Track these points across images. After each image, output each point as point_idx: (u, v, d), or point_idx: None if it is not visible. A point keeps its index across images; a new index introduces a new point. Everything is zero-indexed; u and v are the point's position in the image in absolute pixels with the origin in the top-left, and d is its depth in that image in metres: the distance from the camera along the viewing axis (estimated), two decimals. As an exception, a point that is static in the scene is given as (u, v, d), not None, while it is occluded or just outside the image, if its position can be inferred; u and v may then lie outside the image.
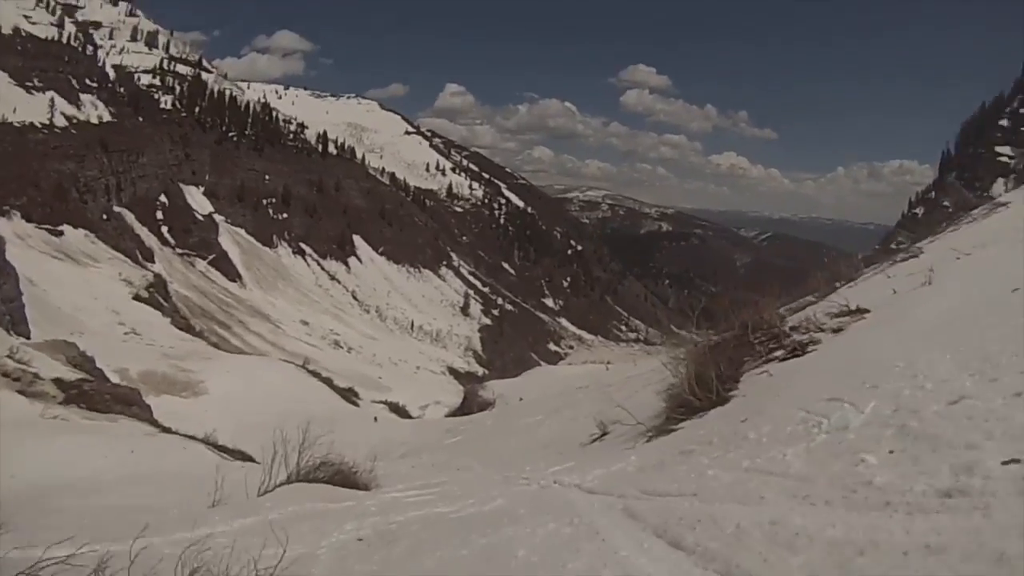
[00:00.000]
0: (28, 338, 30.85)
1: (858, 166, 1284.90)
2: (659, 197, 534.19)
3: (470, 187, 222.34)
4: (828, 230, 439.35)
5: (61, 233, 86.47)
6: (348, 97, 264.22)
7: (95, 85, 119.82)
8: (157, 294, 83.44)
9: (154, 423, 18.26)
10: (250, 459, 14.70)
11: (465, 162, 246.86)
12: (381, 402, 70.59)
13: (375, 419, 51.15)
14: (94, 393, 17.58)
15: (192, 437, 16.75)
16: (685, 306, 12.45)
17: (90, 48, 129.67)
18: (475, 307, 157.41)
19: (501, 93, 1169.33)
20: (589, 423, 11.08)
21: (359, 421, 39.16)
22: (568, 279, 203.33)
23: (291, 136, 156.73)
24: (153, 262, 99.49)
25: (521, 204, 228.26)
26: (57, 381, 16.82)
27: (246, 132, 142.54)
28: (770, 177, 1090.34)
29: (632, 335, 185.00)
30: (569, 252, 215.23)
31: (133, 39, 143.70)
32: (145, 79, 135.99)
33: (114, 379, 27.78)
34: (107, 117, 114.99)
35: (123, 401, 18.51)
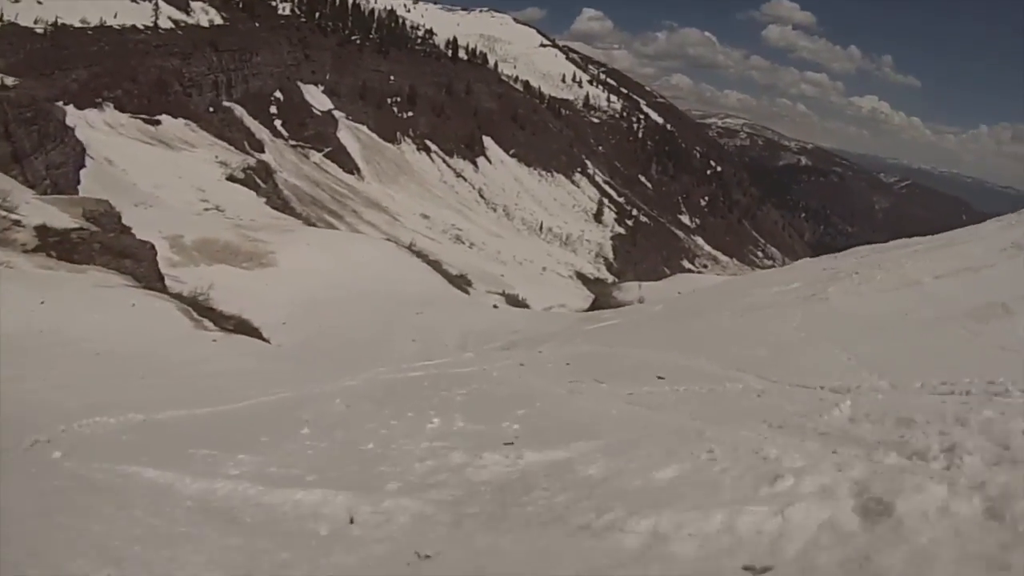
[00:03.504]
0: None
1: (1002, 126, 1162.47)
2: (798, 132, 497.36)
3: (608, 100, 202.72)
4: (967, 187, 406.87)
5: (158, 122, 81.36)
6: (481, 10, 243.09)
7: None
8: (256, 177, 77.49)
9: (138, 278, 17.15)
10: (253, 329, 14.01)
11: (603, 76, 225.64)
12: (497, 293, 60.14)
13: (495, 306, 41.93)
14: (80, 242, 17.18)
15: (179, 296, 15.29)
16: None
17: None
18: (608, 215, 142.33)
19: (640, 20, 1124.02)
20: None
21: (463, 306, 35.82)
22: (706, 198, 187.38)
23: (419, 41, 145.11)
24: (262, 152, 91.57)
25: (660, 121, 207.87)
26: (40, 228, 16.50)
27: (370, 36, 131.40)
28: (911, 126, 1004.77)
29: (768, 262, 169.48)
30: (708, 172, 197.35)
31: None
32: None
33: (163, 244, 26.49)
34: (219, 21, 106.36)
35: (118, 254, 17.77)
